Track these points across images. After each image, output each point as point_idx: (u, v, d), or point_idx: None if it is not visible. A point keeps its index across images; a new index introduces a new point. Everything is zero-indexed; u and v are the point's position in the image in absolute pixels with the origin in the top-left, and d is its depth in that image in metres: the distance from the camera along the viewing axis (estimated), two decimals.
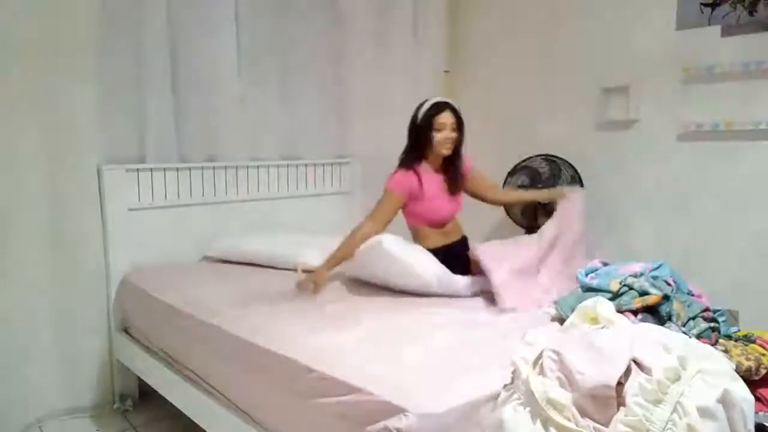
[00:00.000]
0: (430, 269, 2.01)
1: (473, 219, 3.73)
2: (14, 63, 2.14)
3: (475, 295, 2.05)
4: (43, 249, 2.28)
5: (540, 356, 1.27)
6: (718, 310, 1.61)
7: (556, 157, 3.08)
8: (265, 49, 2.89)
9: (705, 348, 1.27)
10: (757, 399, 1.28)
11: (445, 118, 2.25)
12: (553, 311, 1.77)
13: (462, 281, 2.06)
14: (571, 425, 1.11)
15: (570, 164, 3.04)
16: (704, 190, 2.71)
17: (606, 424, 1.11)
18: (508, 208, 3.15)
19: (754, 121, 2.51)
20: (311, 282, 2.10)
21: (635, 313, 1.56)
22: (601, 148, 3.08)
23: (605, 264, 1.87)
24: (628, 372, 1.16)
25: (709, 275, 2.60)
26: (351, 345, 1.55)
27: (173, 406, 2.05)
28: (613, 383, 1.12)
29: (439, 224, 2.33)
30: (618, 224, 3.05)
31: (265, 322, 1.76)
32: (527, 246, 2.15)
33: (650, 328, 1.37)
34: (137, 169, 2.50)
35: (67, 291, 2.34)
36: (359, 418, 1.29)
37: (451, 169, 2.36)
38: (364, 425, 1.26)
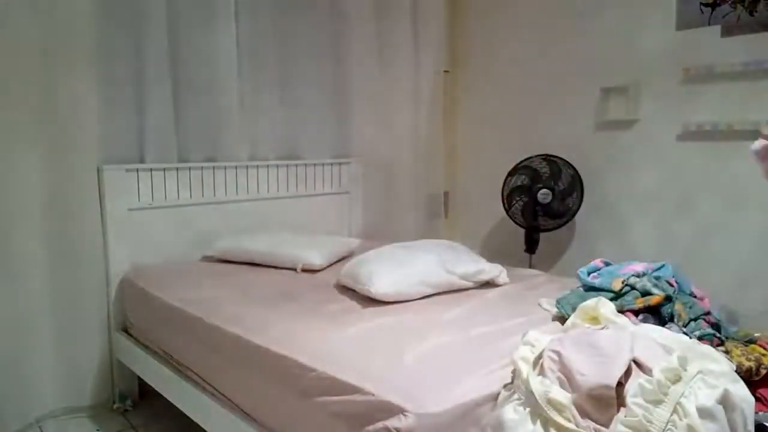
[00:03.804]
0: None
1: (472, 218, 3.75)
2: (14, 63, 2.13)
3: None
4: (43, 249, 2.28)
5: (540, 356, 1.28)
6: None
7: (556, 157, 3.08)
8: (265, 49, 2.89)
9: (705, 348, 1.27)
10: (757, 399, 1.28)
11: None
12: (554, 310, 1.77)
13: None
14: (571, 426, 1.11)
15: (570, 164, 3.04)
16: (704, 190, 2.71)
17: (606, 425, 1.10)
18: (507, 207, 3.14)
19: (754, 122, 2.51)
20: None
21: (636, 313, 1.56)
22: (601, 148, 3.08)
23: (607, 264, 1.87)
24: (628, 372, 1.16)
25: (710, 275, 2.61)
26: (351, 345, 1.55)
27: (173, 406, 2.05)
28: (614, 384, 1.12)
29: None
30: (618, 224, 3.05)
31: (265, 322, 1.76)
32: None
33: (651, 329, 1.37)
34: (137, 169, 2.50)
35: (67, 291, 2.34)
36: (359, 417, 1.29)
37: None
38: (364, 425, 1.26)
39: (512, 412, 1.18)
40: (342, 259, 2.57)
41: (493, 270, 2.16)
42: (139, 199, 2.51)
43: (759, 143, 1.44)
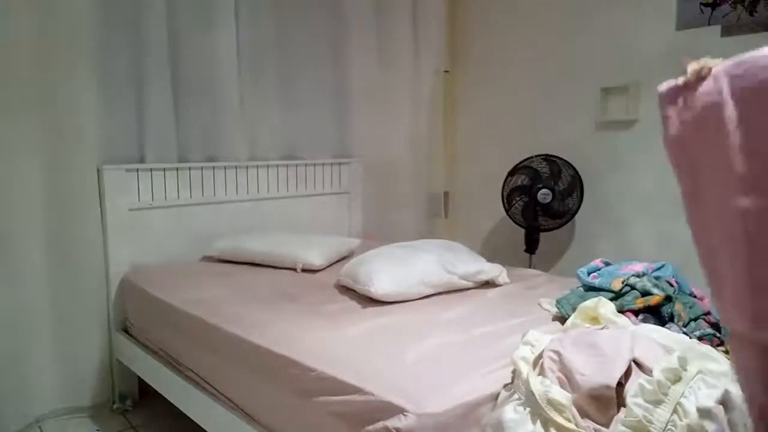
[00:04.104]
0: None
1: (472, 218, 3.75)
2: (14, 63, 2.13)
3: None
4: (43, 249, 2.28)
5: (540, 356, 1.27)
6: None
7: (556, 157, 3.08)
8: (265, 49, 2.89)
9: (705, 348, 1.27)
10: None
11: None
12: (554, 310, 1.77)
13: None
14: (571, 426, 1.11)
15: (570, 164, 3.04)
16: None
17: (606, 425, 1.10)
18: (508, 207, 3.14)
19: None
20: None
21: (636, 313, 1.56)
22: (601, 148, 3.08)
23: (607, 264, 1.87)
24: (628, 373, 1.16)
25: None
26: (351, 345, 1.55)
27: (173, 406, 2.05)
28: (614, 384, 1.12)
29: None
30: (618, 224, 3.05)
31: (264, 322, 1.76)
32: None
33: (651, 329, 1.37)
34: (137, 169, 2.50)
35: (67, 291, 2.34)
36: (359, 417, 1.29)
37: None
38: (364, 425, 1.27)
39: (512, 412, 1.18)
40: (342, 259, 2.57)
41: (493, 270, 2.16)
42: (139, 199, 2.51)
43: (666, 84, 0.97)
